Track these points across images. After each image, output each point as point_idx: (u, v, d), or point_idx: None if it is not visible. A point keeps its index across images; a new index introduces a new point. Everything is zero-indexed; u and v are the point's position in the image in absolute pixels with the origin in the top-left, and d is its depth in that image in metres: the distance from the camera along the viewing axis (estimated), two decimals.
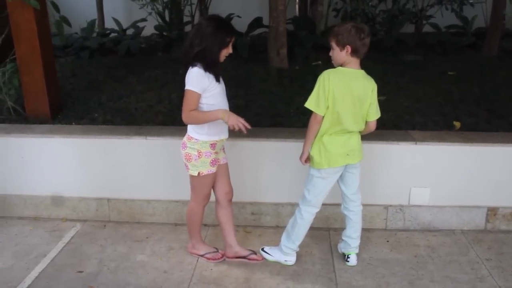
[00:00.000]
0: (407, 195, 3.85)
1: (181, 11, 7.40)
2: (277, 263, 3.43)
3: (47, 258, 3.53)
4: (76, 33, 6.95)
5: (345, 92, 2.96)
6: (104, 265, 3.45)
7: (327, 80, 2.93)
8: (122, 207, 4.05)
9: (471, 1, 6.96)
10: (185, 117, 2.98)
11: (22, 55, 4.30)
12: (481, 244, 3.69)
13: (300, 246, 3.41)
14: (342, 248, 3.48)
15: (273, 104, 4.54)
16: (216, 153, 3.16)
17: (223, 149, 3.32)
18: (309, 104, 3.01)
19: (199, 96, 2.95)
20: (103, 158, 3.96)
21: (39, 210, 4.12)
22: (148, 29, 7.24)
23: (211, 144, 3.09)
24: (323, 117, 3.01)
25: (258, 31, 6.80)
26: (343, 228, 3.48)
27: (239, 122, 2.95)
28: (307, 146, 3.13)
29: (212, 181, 3.24)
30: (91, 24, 7.19)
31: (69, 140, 3.96)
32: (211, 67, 2.97)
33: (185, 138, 3.15)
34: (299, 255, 3.46)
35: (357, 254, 3.44)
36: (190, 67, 2.95)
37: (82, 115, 4.48)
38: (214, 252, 3.48)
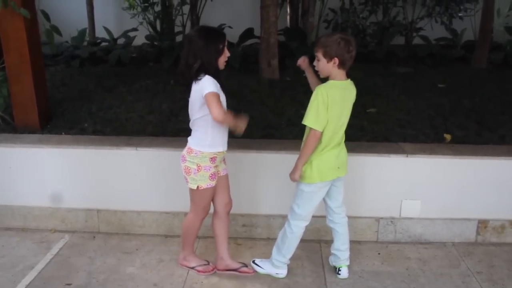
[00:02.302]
0: (398, 208, 3.85)
1: (173, 21, 7.40)
2: (268, 276, 3.40)
3: (34, 270, 3.47)
4: (67, 41, 6.92)
5: (340, 106, 2.95)
6: (93, 277, 3.40)
7: (325, 96, 2.88)
8: (112, 218, 4.00)
9: (460, 14, 7.04)
10: (222, 116, 2.85)
11: (11, 64, 4.25)
12: (472, 257, 3.70)
13: (291, 258, 3.38)
14: (332, 261, 3.47)
15: (264, 116, 4.53)
16: (215, 166, 3.13)
17: (223, 160, 3.29)
18: (309, 121, 2.93)
19: (218, 95, 2.88)
20: (93, 168, 3.92)
21: (27, 221, 4.06)
22: (139, 39, 7.23)
23: (211, 158, 3.06)
24: (322, 133, 2.97)
25: (250, 42, 6.82)
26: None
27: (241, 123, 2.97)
28: (302, 163, 3.04)
29: (211, 195, 3.20)
30: (82, 33, 7.17)
31: (58, 150, 3.92)
32: (217, 77, 2.94)
33: (184, 151, 3.11)
34: (290, 268, 3.44)
35: (349, 267, 3.42)
36: (198, 80, 2.90)
37: (71, 125, 4.44)
38: (205, 264, 3.45)
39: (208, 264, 3.46)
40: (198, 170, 3.05)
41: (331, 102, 2.89)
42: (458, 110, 4.72)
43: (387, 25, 7.18)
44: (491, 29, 6.43)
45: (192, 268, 3.44)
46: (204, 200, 3.19)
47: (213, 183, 3.13)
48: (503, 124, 4.39)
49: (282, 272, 3.39)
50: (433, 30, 7.15)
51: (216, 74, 2.94)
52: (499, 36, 7.06)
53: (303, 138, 3.11)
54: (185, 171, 3.11)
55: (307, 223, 3.26)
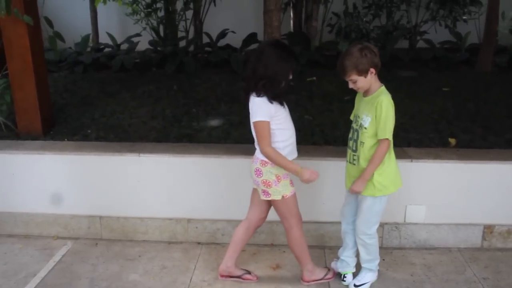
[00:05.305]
0: (402, 213, 3.81)
1: (176, 26, 7.39)
2: (271, 283, 3.38)
3: (37, 278, 3.45)
4: (70, 47, 6.92)
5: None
6: (95, 285, 3.38)
7: (392, 105, 2.90)
8: (115, 225, 3.99)
9: (464, 17, 7.00)
10: (267, 150, 2.87)
11: (14, 71, 4.26)
12: (477, 263, 3.65)
13: (296, 264, 3.36)
14: (339, 267, 3.43)
15: None
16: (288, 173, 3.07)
17: None
18: (388, 134, 2.90)
19: (269, 124, 2.87)
20: (96, 175, 3.91)
21: (29, 227, 4.05)
22: (143, 44, 7.22)
23: None
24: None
25: (253, 46, 6.80)
26: (338, 247, 3.44)
27: (313, 176, 2.94)
28: (370, 175, 2.98)
29: (296, 200, 3.12)
30: (85, 39, 7.16)
31: (61, 157, 3.91)
32: (277, 96, 2.89)
33: (258, 165, 3.02)
34: (293, 274, 3.41)
35: (353, 274, 3.39)
36: (254, 96, 2.87)
37: (74, 131, 4.44)
38: (326, 273, 3.39)
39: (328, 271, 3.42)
40: (278, 180, 3.00)
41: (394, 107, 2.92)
42: (463, 114, 4.68)
43: (391, 29, 7.14)
44: (496, 32, 6.38)
45: (321, 279, 3.36)
46: (292, 208, 3.10)
47: (294, 189, 3.08)
48: (509, 128, 4.35)
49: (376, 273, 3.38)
50: (437, 33, 7.10)
51: (277, 93, 2.89)
52: (504, 39, 7.00)
53: (360, 153, 3.01)
54: (264, 185, 3.01)
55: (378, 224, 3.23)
